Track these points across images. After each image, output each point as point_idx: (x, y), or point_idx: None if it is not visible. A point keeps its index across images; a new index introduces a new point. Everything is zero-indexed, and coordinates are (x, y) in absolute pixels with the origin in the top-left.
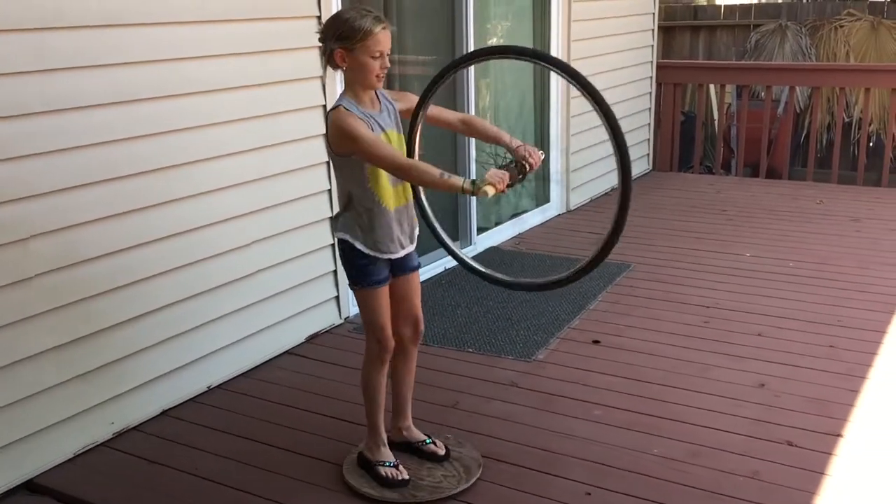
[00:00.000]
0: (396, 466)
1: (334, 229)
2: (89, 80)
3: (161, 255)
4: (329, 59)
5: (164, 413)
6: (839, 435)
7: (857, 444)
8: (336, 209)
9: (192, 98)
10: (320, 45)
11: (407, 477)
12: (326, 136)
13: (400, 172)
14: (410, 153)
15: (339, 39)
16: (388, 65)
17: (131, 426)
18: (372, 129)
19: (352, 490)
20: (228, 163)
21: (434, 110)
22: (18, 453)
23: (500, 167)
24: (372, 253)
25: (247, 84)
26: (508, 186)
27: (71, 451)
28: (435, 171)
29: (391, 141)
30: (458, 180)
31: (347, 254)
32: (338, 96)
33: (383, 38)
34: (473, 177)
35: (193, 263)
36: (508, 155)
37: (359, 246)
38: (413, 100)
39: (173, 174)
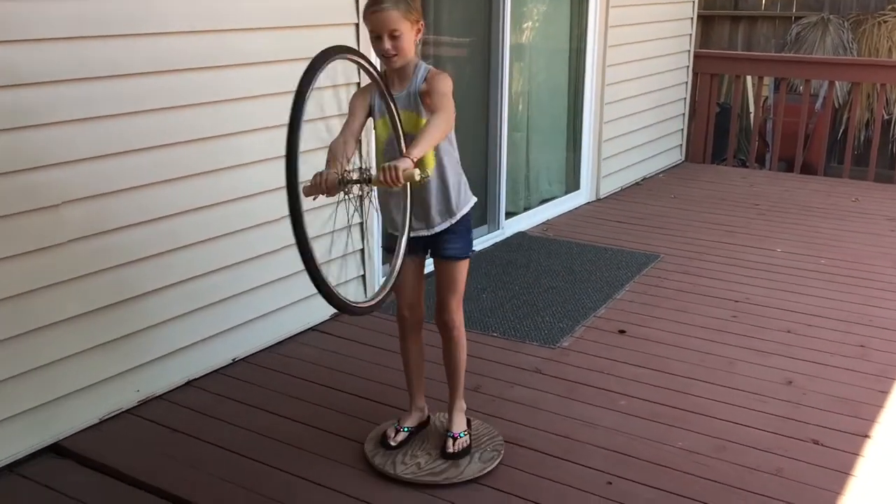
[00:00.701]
0: (399, 431)
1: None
2: (126, 49)
3: (192, 226)
4: None
5: (188, 383)
6: (867, 436)
7: (885, 446)
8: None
9: (233, 70)
10: None
11: (396, 444)
12: None
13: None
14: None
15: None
16: (387, 47)
17: (156, 395)
18: (372, 106)
19: (373, 468)
20: (263, 136)
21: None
22: (45, 416)
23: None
24: (389, 229)
25: (283, 59)
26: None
27: (96, 417)
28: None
29: (402, 121)
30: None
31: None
32: None
33: (374, 20)
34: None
35: (223, 236)
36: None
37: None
38: (434, 86)
39: (208, 145)
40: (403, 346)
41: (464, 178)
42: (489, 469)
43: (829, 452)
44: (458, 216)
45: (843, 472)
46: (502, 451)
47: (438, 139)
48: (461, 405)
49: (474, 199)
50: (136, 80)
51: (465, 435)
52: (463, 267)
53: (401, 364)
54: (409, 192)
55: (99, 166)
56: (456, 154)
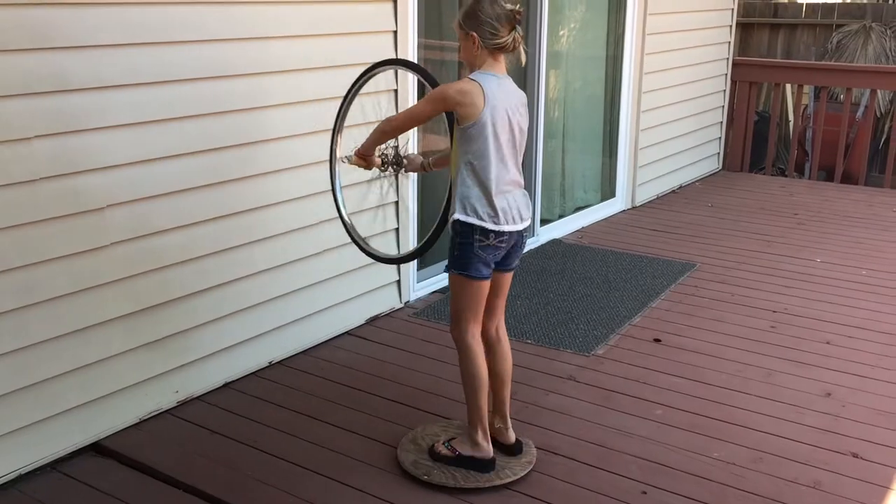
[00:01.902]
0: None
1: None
2: (172, 56)
3: (232, 230)
4: (519, 46)
5: (226, 385)
6: None
7: None
8: (399, 196)
9: (270, 77)
10: (521, 34)
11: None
12: (527, 118)
13: None
14: None
15: None
16: None
17: (195, 396)
18: None
19: (409, 475)
20: (302, 142)
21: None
22: (87, 415)
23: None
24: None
25: (324, 65)
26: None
27: (136, 417)
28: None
29: None
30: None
31: None
32: (511, 79)
33: None
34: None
35: (263, 240)
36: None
37: None
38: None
39: (249, 151)
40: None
41: (472, 193)
42: (522, 475)
43: (868, 466)
44: (448, 225)
45: (882, 486)
46: (535, 459)
47: (377, 134)
48: (467, 423)
49: (466, 218)
50: (180, 86)
51: (448, 448)
52: (452, 280)
53: (435, 369)
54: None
55: (143, 170)
56: (478, 165)
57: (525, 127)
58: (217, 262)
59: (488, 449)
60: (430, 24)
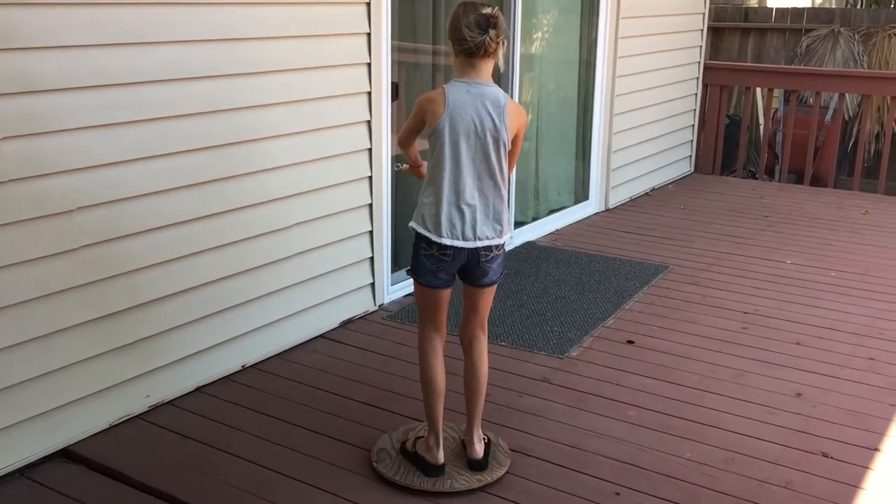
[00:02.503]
0: None
1: (504, 233)
2: (141, 57)
3: (204, 233)
4: (497, 51)
5: (198, 389)
6: (877, 449)
7: (895, 460)
8: (374, 198)
9: (243, 79)
10: (498, 35)
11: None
12: (508, 127)
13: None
14: None
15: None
16: None
17: (166, 400)
18: None
19: (383, 478)
20: (274, 144)
21: None
22: (55, 421)
23: None
24: None
25: (296, 67)
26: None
27: (106, 422)
28: None
29: None
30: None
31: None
32: (492, 86)
33: None
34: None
35: (235, 243)
36: None
37: None
38: None
39: (220, 153)
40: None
41: (425, 200)
42: (497, 477)
43: (838, 465)
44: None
45: (852, 486)
46: (509, 461)
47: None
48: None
49: (413, 224)
50: (150, 87)
51: (412, 443)
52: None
53: (409, 372)
54: None
55: (112, 173)
56: (436, 174)
57: (501, 137)
58: (188, 265)
59: (437, 456)
60: (403, 26)
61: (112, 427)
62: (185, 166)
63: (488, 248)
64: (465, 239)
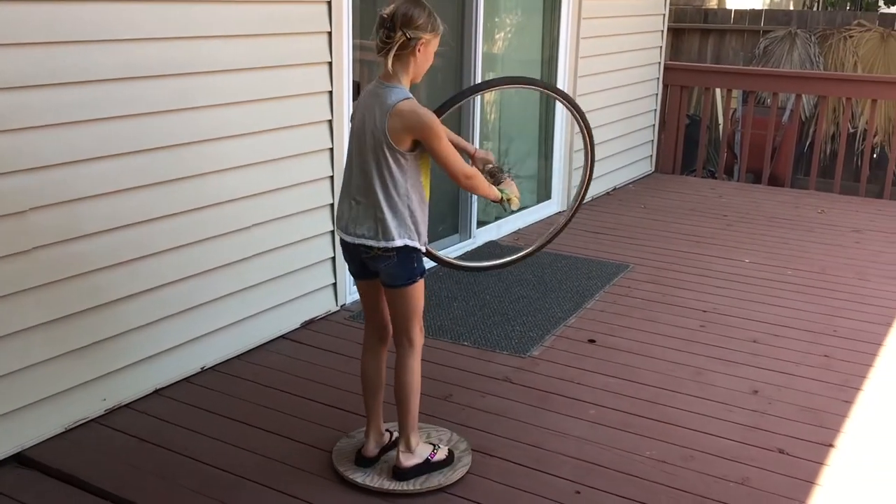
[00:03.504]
0: (436, 446)
1: (385, 239)
2: (98, 54)
3: (163, 233)
4: (403, 46)
5: (156, 392)
6: (831, 445)
7: (848, 456)
8: (335, 198)
9: (201, 77)
10: (390, 31)
11: (447, 447)
12: (389, 128)
13: (466, 179)
14: None
15: (429, 30)
16: None
17: (123, 403)
18: None
19: (344, 480)
20: (235, 144)
21: None
22: (9, 425)
23: (496, 180)
24: (422, 248)
25: (256, 66)
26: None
27: (61, 426)
28: (486, 181)
29: None
30: (497, 191)
31: (406, 256)
32: (391, 87)
33: (442, 38)
34: None
35: (194, 243)
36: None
37: (417, 245)
38: None
39: (179, 152)
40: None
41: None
42: (458, 478)
43: (793, 462)
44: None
45: (807, 482)
46: (470, 461)
47: None
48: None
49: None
50: (108, 85)
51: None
52: None
53: None
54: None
55: (68, 172)
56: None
57: (380, 138)
58: (146, 266)
59: (366, 447)
60: (365, 24)
61: (68, 431)
62: (144, 166)
63: (367, 248)
64: (346, 232)
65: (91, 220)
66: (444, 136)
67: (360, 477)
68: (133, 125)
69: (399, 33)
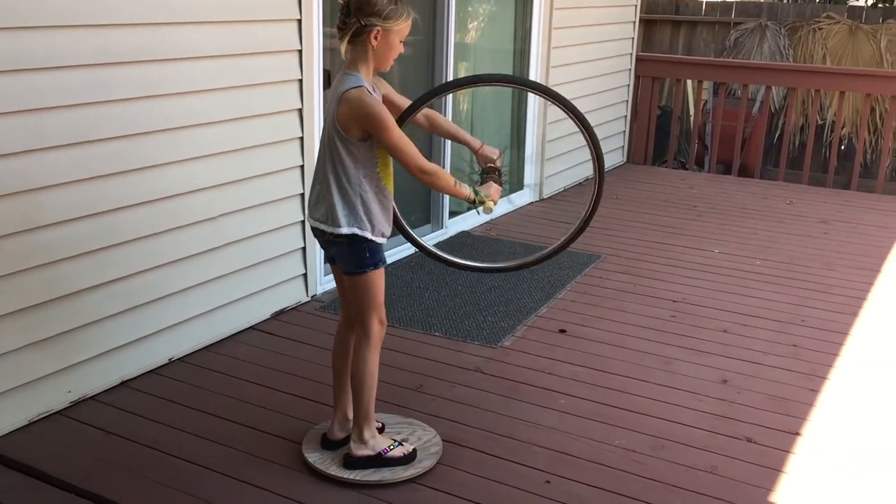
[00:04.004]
0: (400, 443)
1: (332, 225)
2: (63, 40)
3: (129, 223)
4: (358, 33)
5: (123, 384)
6: (798, 433)
7: (815, 444)
8: (306, 187)
9: (170, 64)
10: (345, 16)
11: (413, 446)
12: (338, 115)
13: (421, 174)
14: None
15: (384, 18)
16: (402, 51)
17: (89, 395)
18: None
19: (314, 471)
20: (203, 132)
21: (396, 99)
22: None
23: (483, 180)
24: (378, 239)
25: (226, 53)
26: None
27: (25, 419)
28: (451, 179)
29: None
30: (468, 190)
31: (356, 245)
32: (348, 74)
33: (408, 26)
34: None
35: (162, 233)
36: (476, 165)
37: (369, 236)
38: (387, 89)
39: (146, 141)
40: (379, 353)
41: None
42: (428, 469)
43: (761, 450)
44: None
45: (775, 470)
46: (440, 442)
47: None
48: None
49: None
50: (72, 72)
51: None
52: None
53: None
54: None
55: (32, 160)
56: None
57: (329, 126)
58: (112, 256)
59: (330, 430)
60: (336, 12)
61: (31, 423)
62: (110, 154)
63: (321, 232)
64: (309, 215)
65: (54, 210)
66: (392, 127)
67: (314, 458)
68: (99, 112)
69: (353, 19)
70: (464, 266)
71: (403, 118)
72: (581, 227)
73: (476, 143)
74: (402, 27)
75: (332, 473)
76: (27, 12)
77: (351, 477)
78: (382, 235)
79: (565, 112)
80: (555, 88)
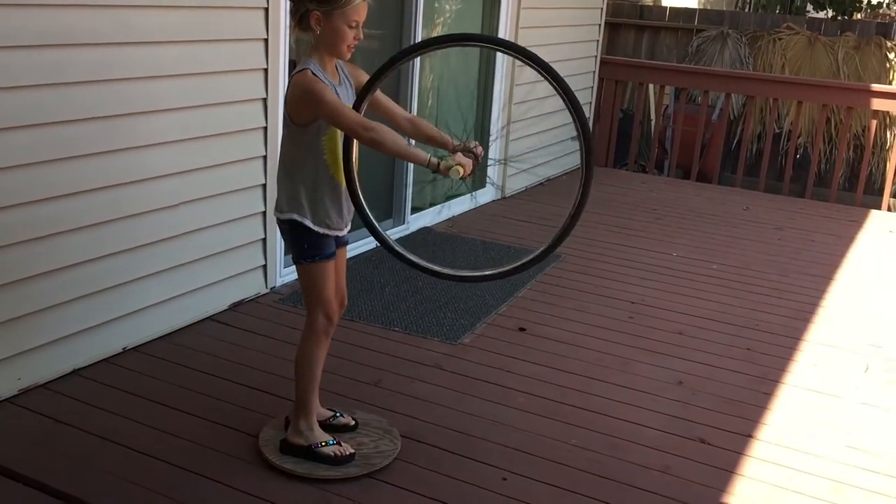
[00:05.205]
0: (339, 443)
1: (277, 210)
2: (19, 19)
3: (84, 207)
4: (301, 19)
5: (75, 372)
6: (751, 436)
7: (767, 446)
8: (269, 178)
9: (132, 48)
10: (294, 3)
11: (353, 450)
12: (286, 101)
13: (368, 134)
14: (349, 147)
15: (318, 2)
16: (362, 37)
17: (39, 383)
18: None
19: (270, 465)
20: (164, 118)
21: (383, 99)
22: None
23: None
24: (320, 230)
25: (189, 39)
26: (468, 175)
27: None
28: (400, 138)
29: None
30: (423, 153)
31: (295, 233)
32: (302, 61)
33: (362, 8)
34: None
35: (118, 220)
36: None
37: (308, 224)
38: (364, 78)
39: (104, 125)
40: (326, 345)
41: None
42: (385, 464)
43: (714, 451)
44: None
45: (727, 471)
46: (392, 457)
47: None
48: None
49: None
50: (26, 52)
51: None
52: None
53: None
54: (356, 188)
55: None
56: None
57: (282, 109)
58: (66, 241)
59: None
60: None
61: None
62: (65, 137)
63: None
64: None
65: (6, 193)
66: (326, 97)
67: (265, 434)
68: (54, 94)
69: (298, 5)
70: (429, 271)
71: (370, 84)
72: (570, 223)
73: (451, 143)
74: (344, 10)
75: (263, 452)
76: None
77: (271, 458)
78: (328, 227)
79: (542, 74)
80: (519, 87)
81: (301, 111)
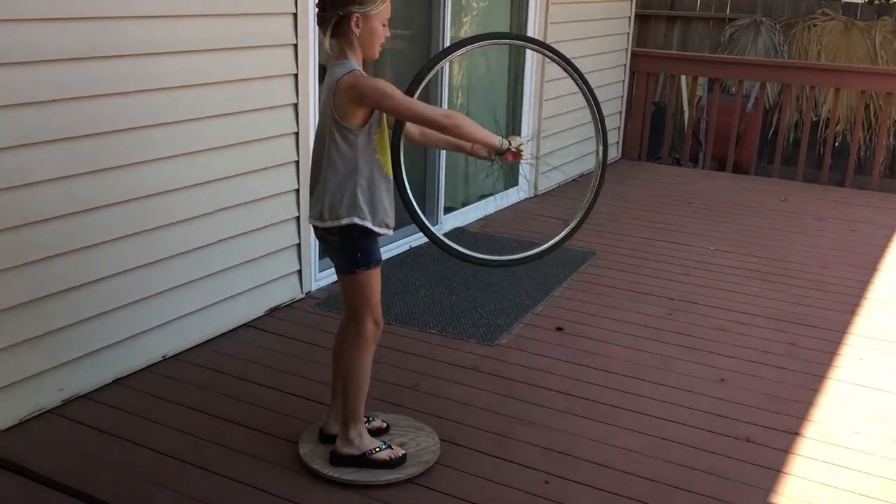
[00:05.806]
0: (390, 446)
1: (331, 219)
2: (43, 34)
3: (121, 218)
4: (338, 23)
5: (116, 382)
6: (797, 433)
7: (814, 443)
8: (301, 183)
9: (160, 58)
10: (323, 11)
11: (404, 451)
12: (335, 105)
13: (445, 119)
14: (398, 140)
15: (360, 3)
16: (388, 34)
17: (81, 394)
18: None
19: (307, 469)
20: (197, 128)
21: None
22: None
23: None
24: (379, 230)
25: (219, 47)
26: (514, 160)
27: (15, 417)
28: (474, 122)
29: None
30: (495, 136)
31: (349, 240)
32: (338, 64)
33: (388, 9)
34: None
35: (154, 229)
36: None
37: (368, 225)
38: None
39: (139, 135)
40: (374, 351)
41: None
42: (425, 469)
43: (760, 450)
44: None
45: (774, 470)
46: (439, 451)
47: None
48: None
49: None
50: (57, 66)
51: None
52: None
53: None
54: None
55: (22, 156)
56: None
57: (328, 113)
58: (104, 252)
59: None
60: None
61: (22, 422)
62: (100, 149)
63: (316, 228)
64: (309, 213)
65: (42, 206)
66: (394, 92)
67: (305, 449)
68: (85, 108)
69: (331, 12)
70: (471, 258)
71: (415, 85)
72: (586, 212)
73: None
74: (380, 9)
75: (315, 468)
76: (2, 4)
77: (329, 473)
78: (386, 227)
79: (567, 71)
80: (550, 83)
81: (357, 112)
